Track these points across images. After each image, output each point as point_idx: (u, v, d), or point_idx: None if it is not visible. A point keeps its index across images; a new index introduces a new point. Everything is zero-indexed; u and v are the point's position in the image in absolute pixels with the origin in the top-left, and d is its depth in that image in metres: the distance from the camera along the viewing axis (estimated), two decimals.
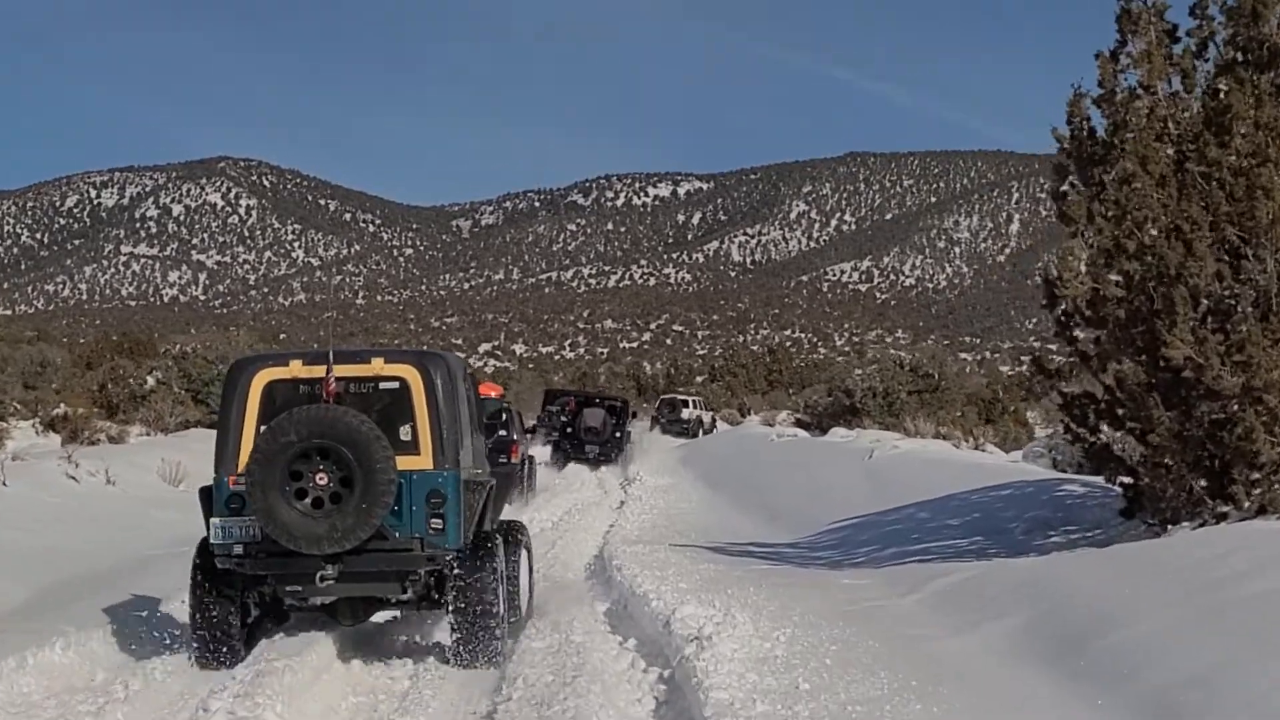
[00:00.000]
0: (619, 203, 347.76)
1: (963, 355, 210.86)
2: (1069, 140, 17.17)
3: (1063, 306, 17.07)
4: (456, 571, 13.69)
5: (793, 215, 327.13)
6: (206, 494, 13.88)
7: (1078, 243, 16.32)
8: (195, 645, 13.72)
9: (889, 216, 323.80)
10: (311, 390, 13.51)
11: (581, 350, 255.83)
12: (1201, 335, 15.02)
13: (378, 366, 13.74)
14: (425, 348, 23.32)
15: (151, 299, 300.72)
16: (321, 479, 12.96)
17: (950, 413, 39.65)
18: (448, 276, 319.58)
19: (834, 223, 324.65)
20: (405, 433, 13.51)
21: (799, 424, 45.68)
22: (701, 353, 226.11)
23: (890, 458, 29.50)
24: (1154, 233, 15.59)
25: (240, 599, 13.85)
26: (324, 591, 13.65)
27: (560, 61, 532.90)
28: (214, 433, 14.45)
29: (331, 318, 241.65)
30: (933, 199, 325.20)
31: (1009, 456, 33.83)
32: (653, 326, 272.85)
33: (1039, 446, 31.58)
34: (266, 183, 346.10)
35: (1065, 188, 17.29)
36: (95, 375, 51.44)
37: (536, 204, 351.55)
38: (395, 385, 13.66)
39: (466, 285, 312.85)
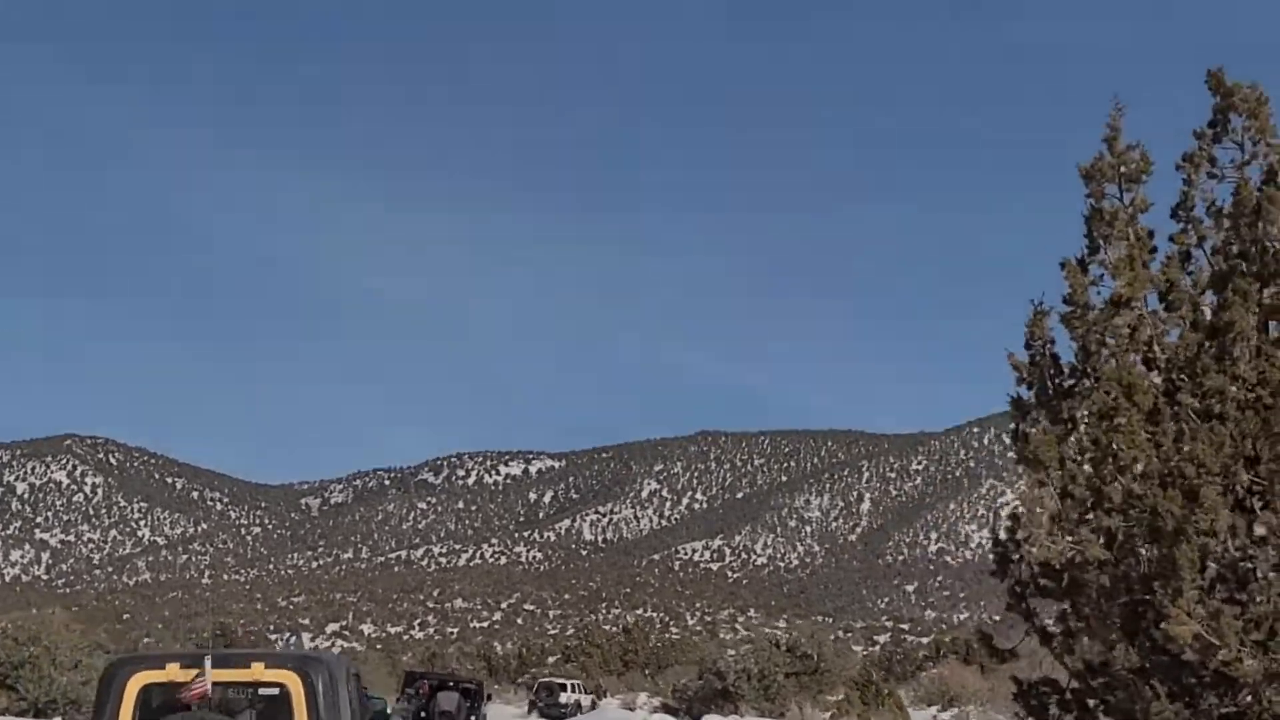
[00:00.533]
0: (470, 481, 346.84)
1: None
2: (1028, 367, 13.99)
3: (1018, 574, 13.80)
4: None
5: (644, 493, 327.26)
6: None
7: (1046, 492, 12.96)
8: None
9: (740, 495, 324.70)
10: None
11: (431, 630, 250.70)
12: (1213, 608, 11.73)
13: (258, 671, 12.86)
14: (291, 640, 21.97)
15: None
16: None
17: (830, 696, 35.65)
18: (296, 555, 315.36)
19: (685, 501, 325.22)
20: None
21: (666, 709, 41.31)
22: (553, 632, 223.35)
23: None
24: (1141, 478, 12.35)
25: None
26: None
27: (410, 340, 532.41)
28: None
29: (176, 598, 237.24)
30: (784, 478, 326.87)
31: None
32: (504, 605, 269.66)
33: None
34: (114, 460, 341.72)
35: (1025, 426, 14.00)
36: None
37: (386, 482, 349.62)
38: (275, 691, 12.76)
39: (315, 564, 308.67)
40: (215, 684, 12.42)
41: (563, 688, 70.51)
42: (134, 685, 12.65)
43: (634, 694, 62.56)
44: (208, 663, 12.48)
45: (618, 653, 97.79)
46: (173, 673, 12.60)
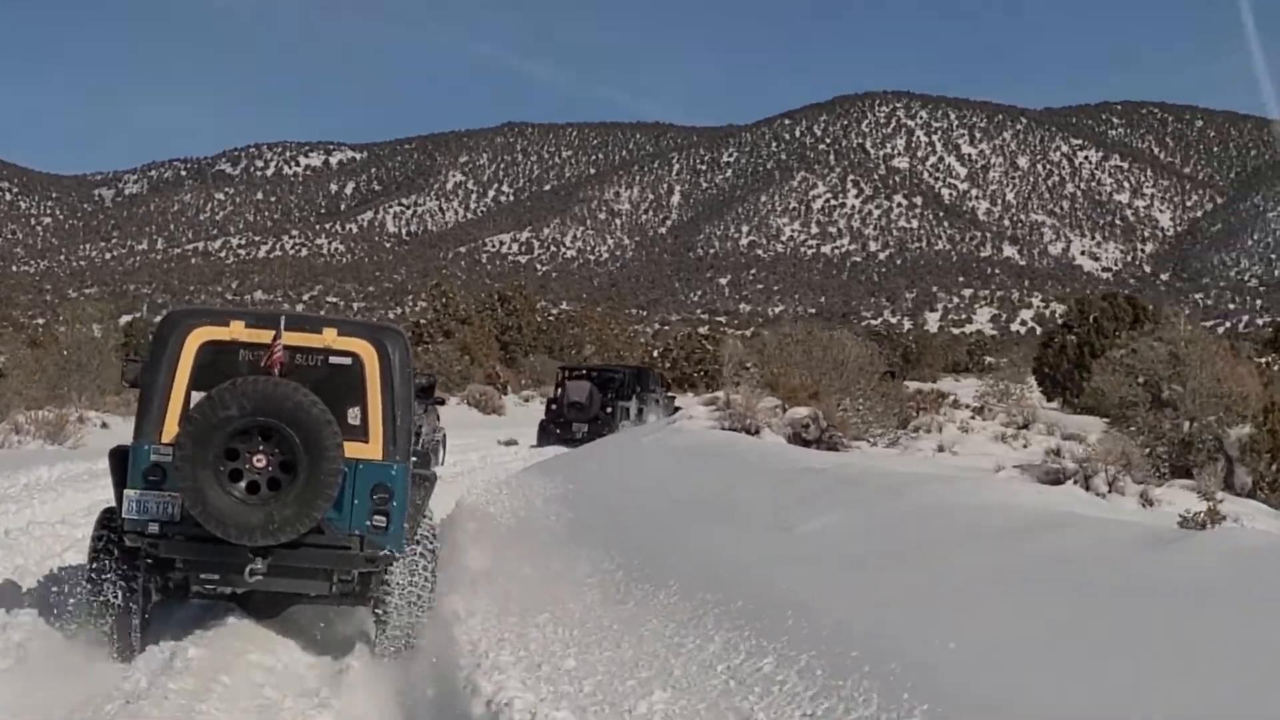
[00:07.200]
0: (269, 172, 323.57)
1: (634, 327, 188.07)
2: None
3: None
4: (392, 572, 10.80)
5: (449, 185, 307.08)
6: (120, 459, 10.59)
7: None
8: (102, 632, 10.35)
9: (548, 187, 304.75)
10: (253, 357, 10.41)
11: None
12: None
13: (329, 338, 10.63)
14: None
15: None
16: (260, 461, 9.97)
17: None
18: (88, 246, 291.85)
19: (492, 193, 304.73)
20: (353, 416, 10.50)
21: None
22: None
23: None
24: None
25: (144, 582, 10.57)
26: (246, 585, 10.48)
27: (206, 27, 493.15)
28: None
29: None
30: (592, 170, 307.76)
31: None
32: (306, 298, 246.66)
33: None
34: None
35: None
36: None
37: (183, 173, 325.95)
38: (347, 361, 10.57)
39: (109, 255, 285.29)
40: (283, 347, 10.22)
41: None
42: (194, 341, 10.38)
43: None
44: (280, 323, 10.33)
45: (494, 331, 66.11)
46: (236, 331, 10.45)
